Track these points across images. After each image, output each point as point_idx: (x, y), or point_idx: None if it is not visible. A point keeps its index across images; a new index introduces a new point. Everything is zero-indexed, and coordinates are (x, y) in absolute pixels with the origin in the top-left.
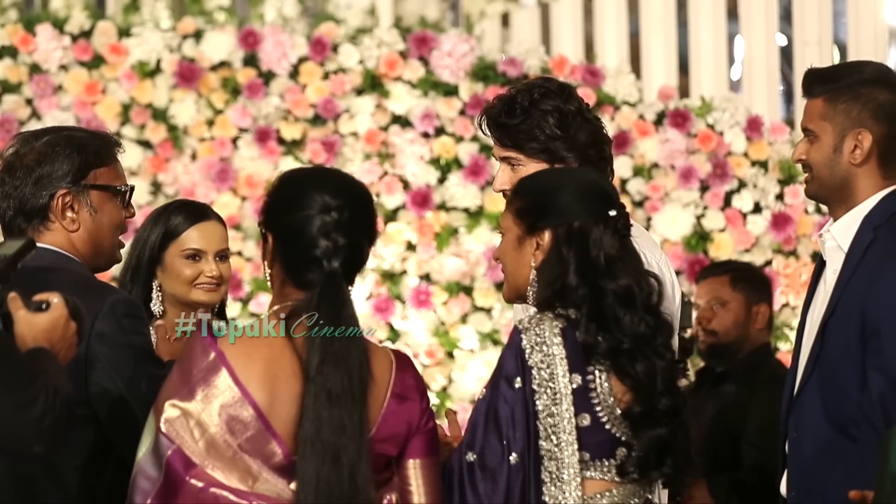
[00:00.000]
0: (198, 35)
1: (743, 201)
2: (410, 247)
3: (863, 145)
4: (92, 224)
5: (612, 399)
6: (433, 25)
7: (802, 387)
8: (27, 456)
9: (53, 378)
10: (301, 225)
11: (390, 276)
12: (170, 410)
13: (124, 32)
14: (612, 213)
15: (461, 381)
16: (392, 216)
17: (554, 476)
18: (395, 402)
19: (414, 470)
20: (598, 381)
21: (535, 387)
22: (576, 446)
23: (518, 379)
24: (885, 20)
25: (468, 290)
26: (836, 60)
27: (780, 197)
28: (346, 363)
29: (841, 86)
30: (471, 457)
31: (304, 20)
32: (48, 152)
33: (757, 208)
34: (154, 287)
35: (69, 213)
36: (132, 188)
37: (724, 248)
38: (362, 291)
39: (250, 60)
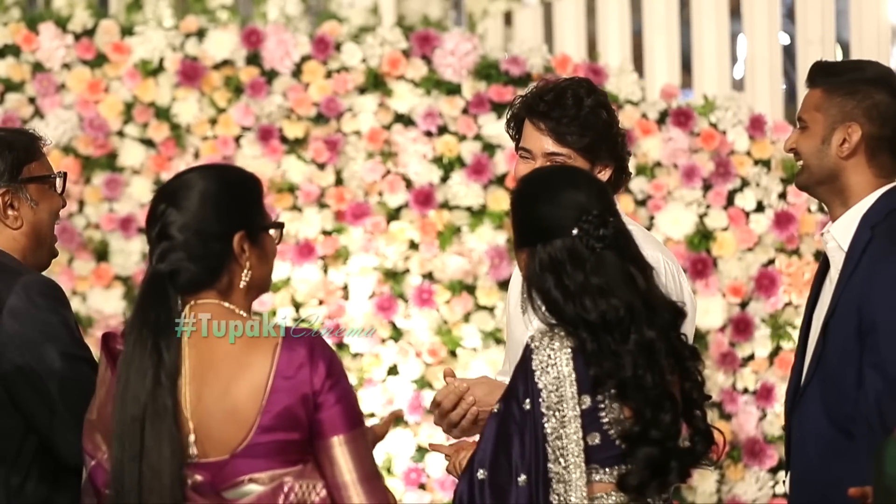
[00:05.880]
0: (200, 34)
1: (746, 200)
2: (413, 245)
3: (851, 139)
4: (34, 217)
5: (622, 415)
6: (436, 24)
7: (805, 387)
8: None
9: None
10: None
11: (393, 275)
12: (85, 426)
13: (127, 31)
14: (575, 231)
15: None
16: (395, 215)
17: (562, 499)
18: (281, 381)
19: (339, 447)
20: (607, 400)
21: (543, 409)
22: (584, 468)
23: (527, 401)
24: (887, 19)
25: (471, 289)
26: (839, 59)
27: (782, 196)
28: (125, 366)
29: (841, 80)
30: (481, 474)
31: (307, 19)
32: None
33: (760, 207)
34: None
35: (10, 211)
36: (65, 174)
37: (726, 247)
38: (365, 290)
39: (253, 59)
